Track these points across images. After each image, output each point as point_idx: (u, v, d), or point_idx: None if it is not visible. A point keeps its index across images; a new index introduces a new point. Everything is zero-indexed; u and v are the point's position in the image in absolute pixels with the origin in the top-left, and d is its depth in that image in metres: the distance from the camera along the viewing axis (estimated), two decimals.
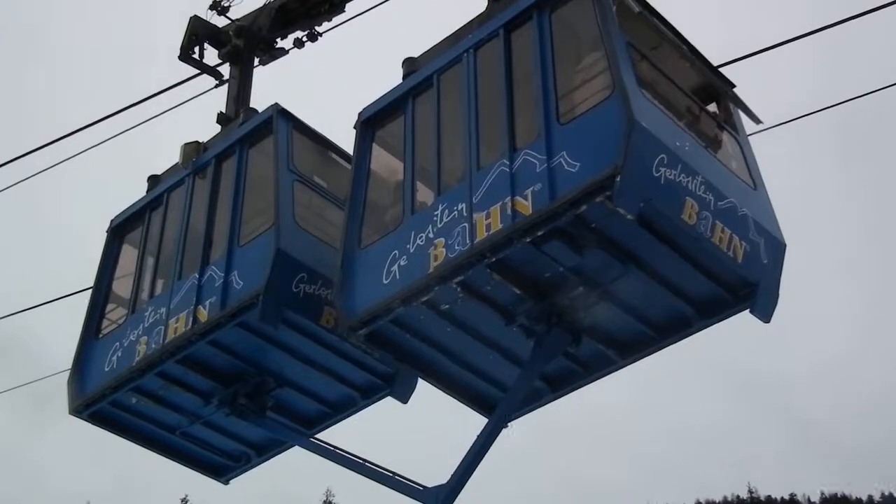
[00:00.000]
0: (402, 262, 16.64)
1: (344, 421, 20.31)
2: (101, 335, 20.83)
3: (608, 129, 15.09)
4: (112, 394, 19.84)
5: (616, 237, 15.64)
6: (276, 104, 19.85)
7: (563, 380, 17.85)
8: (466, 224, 16.01)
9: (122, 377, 19.68)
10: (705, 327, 16.81)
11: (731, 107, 17.33)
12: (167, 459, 21.13)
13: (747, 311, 16.35)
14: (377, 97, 18.47)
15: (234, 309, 18.42)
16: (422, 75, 17.97)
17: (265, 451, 21.02)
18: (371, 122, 18.39)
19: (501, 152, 16.18)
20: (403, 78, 18.37)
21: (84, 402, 20.15)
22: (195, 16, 23.19)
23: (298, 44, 22.80)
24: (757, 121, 17.31)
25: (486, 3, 18.18)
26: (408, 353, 17.49)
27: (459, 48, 17.65)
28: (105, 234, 21.84)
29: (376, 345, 17.22)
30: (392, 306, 16.52)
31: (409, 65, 18.36)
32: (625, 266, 15.90)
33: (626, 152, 14.62)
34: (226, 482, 21.51)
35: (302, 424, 20.26)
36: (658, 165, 15.07)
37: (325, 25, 22.75)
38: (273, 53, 22.84)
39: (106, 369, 20.07)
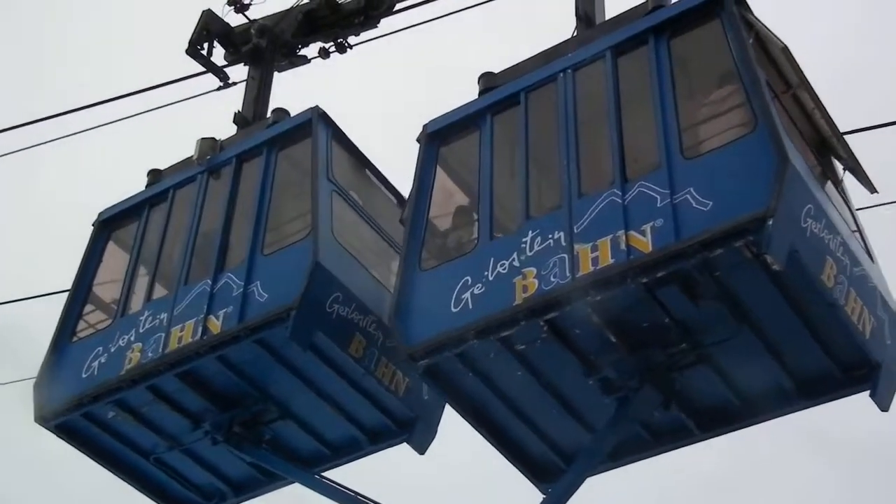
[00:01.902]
0: (478, 290, 14.57)
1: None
2: (76, 338, 18.25)
3: (749, 168, 13.36)
4: (90, 404, 17.26)
5: (738, 291, 13.82)
6: (317, 107, 17.79)
7: (627, 449, 15.75)
8: (566, 255, 14.05)
9: (106, 386, 17.13)
10: (806, 408, 15.00)
11: (842, 171, 15.72)
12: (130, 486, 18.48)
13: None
14: (447, 111, 16.55)
15: (256, 322, 16.14)
16: (505, 92, 16.11)
17: (243, 490, 18.50)
18: (437, 137, 16.42)
19: (610, 181, 14.35)
20: (480, 94, 16.47)
21: (54, 410, 17.52)
22: (209, 10, 21.04)
23: (324, 53, 20.80)
24: (872, 190, 15.71)
25: (574, 27, 16.87)
26: (464, 396, 15.35)
27: (553, 68, 15.85)
28: (91, 228, 19.27)
29: (432, 380, 15.04)
30: (465, 337, 14.38)
31: (488, 80, 16.50)
32: (738, 326, 14.08)
33: (779, 194, 12.86)
34: None
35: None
36: (806, 216, 13.39)
37: (354, 38, 20.65)
38: (293, 60, 20.83)
39: (84, 376, 17.49)
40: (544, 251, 14.25)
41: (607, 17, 16.76)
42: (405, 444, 17.45)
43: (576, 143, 14.91)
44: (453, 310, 14.58)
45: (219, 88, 21.30)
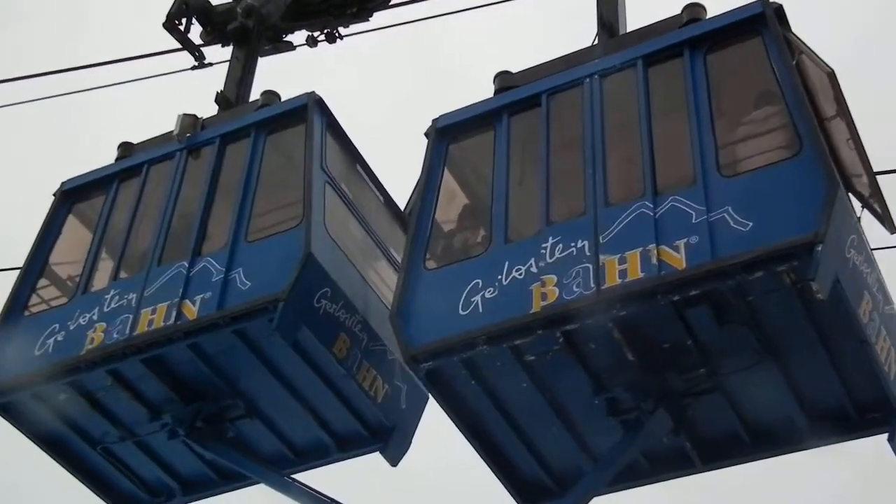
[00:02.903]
0: (489, 294, 13.68)
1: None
2: (28, 312, 16.95)
3: (794, 191, 12.71)
4: (43, 383, 15.96)
5: (767, 319, 13.10)
6: (314, 93, 16.80)
7: (622, 475, 14.71)
8: (590, 265, 13.24)
9: (63, 366, 15.84)
10: (815, 447, 14.27)
11: (860, 208, 15.07)
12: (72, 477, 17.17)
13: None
14: (459, 107, 15.68)
15: (238, 311, 15.04)
16: (525, 93, 15.31)
17: (194, 489, 17.28)
18: (447, 133, 15.55)
19: (640, 193, 13.59)
20: (496, 93, 15.63)
21: (2, 387, 16.18)
22: None
23: (311, 42, 19.78)
24: (893, 230, 15.08)
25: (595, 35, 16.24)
26: (461, 405, 14.39)
27: (578, 72, 15.10)
28: (53, 198, 18.00)
29: (432, 384, 14.08)
30: (474, 342, 13.47)
31: (504, 80, 15.69)
32: (761, 355, 13.35)
33: (829, 220, 12.19)
34: None
35: None
36: (850, 246, 12.80)
37: (345, 30, 19.69)
38: (278, 46, 19.75)
39: (37, 353, 16.18)
40: (566, 259, 13.42)
41: (630, 28, 16.08)
42: (376, 454, 16.36)
43: (602, 151, 14.15)
44: (461, 312, 13.69)
45: (193, 68, 20.18)
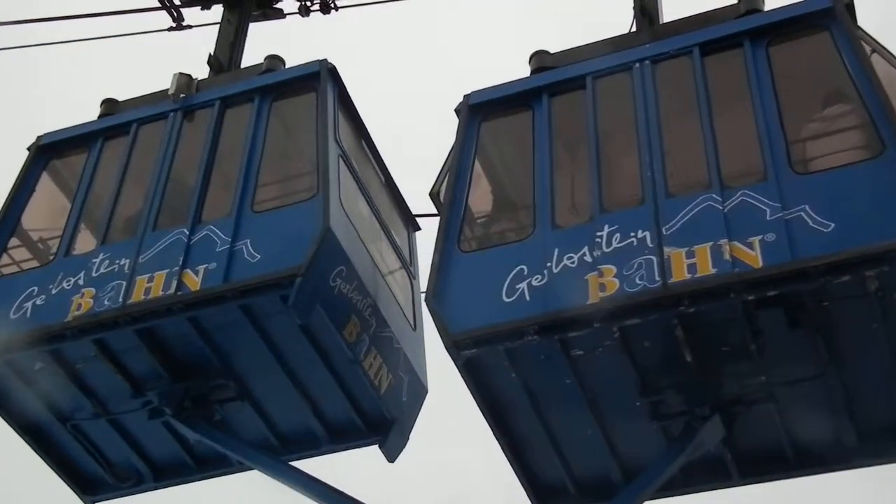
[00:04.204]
0: (537, 282, 12.64)
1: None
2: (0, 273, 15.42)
3: (879, 193, 11.88)
4: (21, 349, 14.45)
5: (841, 327, 12.30)
6: (326, 60, 15.53)
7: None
8: (654, 257, 12.26)
9: (45, 332, 14.30)
10: (861, 467, 13.52)
11: None
12: (35, 454, 15.64)
13: None
14: (492, 85, 14.66)
15: (248, 285, 13.73)
16: (568, 74, 14.32)
17: (165, 476, 15.87)
18: (479, 110, 14.47)
19: (705, 185, 12.66)
20: (533, 72, 14.65)
21: None
22: None
23: (304, 11, 18.53)
24: None
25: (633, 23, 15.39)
26: (494, 397, 13.34)
27: (626, 56, 14.17)
28: (27, 152, 16.45)
29: (469, 372, 13.00)
30: (524, 332, 12.42)
31: (540, 59, 14.70)
32: (825, 366, 12.55)
33: None
34: None
35: None
36: None
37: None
38: (266, 13, 18.45)
39: (13, 316, 14.61)
40: (626, 249, 12.45)
41: (667, 16, 15.23)
42: (372, 447, 15.19)
43: (659, 138, 13.19)
44: (505, 299, 12.64)
45: (170, 29, 18.76)
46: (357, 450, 15.47)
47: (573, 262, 12.58)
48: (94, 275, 14.50)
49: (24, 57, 18.92)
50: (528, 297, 12.53)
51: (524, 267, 12.73)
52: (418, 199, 16.81)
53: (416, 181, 16.96)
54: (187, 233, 14.41)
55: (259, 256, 13.89)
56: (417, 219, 17.16)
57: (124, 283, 14.24)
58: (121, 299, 14.10)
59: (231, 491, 15.90)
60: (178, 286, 13.94)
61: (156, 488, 15.91)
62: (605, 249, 12.50)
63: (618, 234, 12.56)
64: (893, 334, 12.23)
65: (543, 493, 14.08)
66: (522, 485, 13.99)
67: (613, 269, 12.34)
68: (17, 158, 16.50)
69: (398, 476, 15.22)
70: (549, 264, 12.66)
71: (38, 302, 14.56)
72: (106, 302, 14.15)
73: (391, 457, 14.98)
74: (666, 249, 12.26)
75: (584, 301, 12.25)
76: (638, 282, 12.14)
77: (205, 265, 14.03)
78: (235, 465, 15.42)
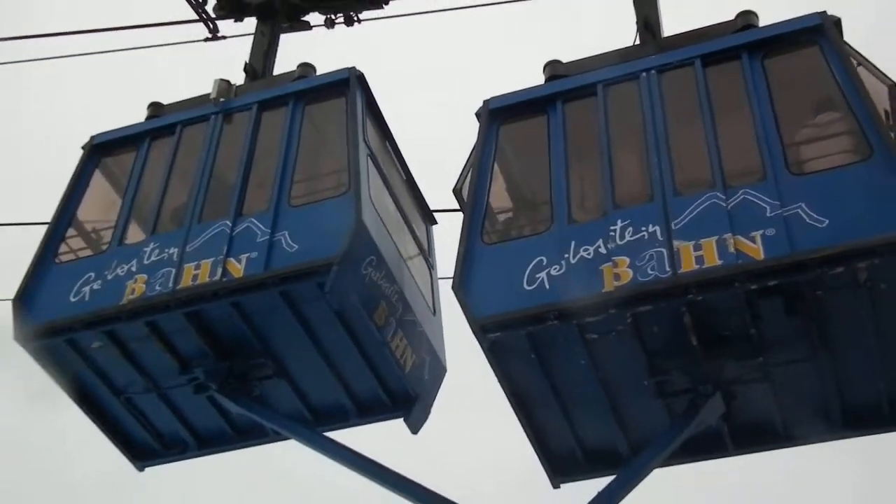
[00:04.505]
0: (555, 272, 12.59)
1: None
2: (59, 260, 15.27)
3: (870, 193, 11.88)
4: (81, 329, 14.31)
5: (832, 314, 12.26)
6: (355, 68, 15.45)
7: None
8: (664, 250, 12.22)
9: (102, 314, 14.19)
10: (844, 438, 13.51)
11: None
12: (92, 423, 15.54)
13: None
14: (510, 91, 14.59)
15: (287, 272, 13.64)
16: (580, 82, 14.25)
17: (208, 444, 15.78)
18: (498, 114, 14.39)
19: (711, 184, 12.61)
20: (547, 80, 14.59)
21: (37, 331, 14.43)
22: None
23: (329, 23, 18.39)
24: None
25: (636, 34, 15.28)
26: (515, 377, 13.26)
27: (633, 66, 14.12)
28: (81, 151, 16.32)
29: (493, 355, 12.94)
30: (544, 317, 12.36)
31: (553, 68, 14.63)
32: (817, 349, 12.55)
33: None
34: (140, 468, 15.98)
35: None
36: None
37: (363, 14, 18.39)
38: (295, 25, 18.30)
39: (72, 299, 14.49)
40: (638, 242, 12.40)
41: (666, 30, 15.17)
42: (397, 420, 15.09)
43: (666, 141, 13.16)
44: (527, 287, 12.57)
45: (206, 39, 18.61)
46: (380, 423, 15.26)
47: (589, 254, 12.52)
48: (145, 262, 14.39)
49: (79, 63, 18.53)
50: (547, 286, 12.47)
51: (543, 258, 12.67)
52: (433, 196, 16.77)
53: (431, 179, 16.99)
54: (230, 224, 14.29)
55: (296, 247, 13.79)
56: (434, 213, 16.98)
57: (173, 270, 14.12)
58: (171, 285, 13.99)
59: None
60: (223, 273, 13.84)
61: (199, 455, 15.81)
62: (618, 242, 12.44)
63: (630, 229, 12.51)
64: (879, 321, 12.20)
65: (556, 462, 13.97)
66: (537, 454, 13.90)
67: (627, 259, 12.28)
68: (73, 155, 16.36)
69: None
70: (566, 255, 12.60)
71: (95, 287, 14.45)
72: (157, 287, 14.04)
73: (414, 429, 14.90)
74: (675, 243, 12.22)
75: (600, 289, 12.20)
76: (650, 272, 12.10)
77: (247, 254, 13.93)
78: (271, 436, 15.33)
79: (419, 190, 16.49)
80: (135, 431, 15.48)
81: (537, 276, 12.56)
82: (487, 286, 12.74)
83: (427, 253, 16.33)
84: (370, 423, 15.16)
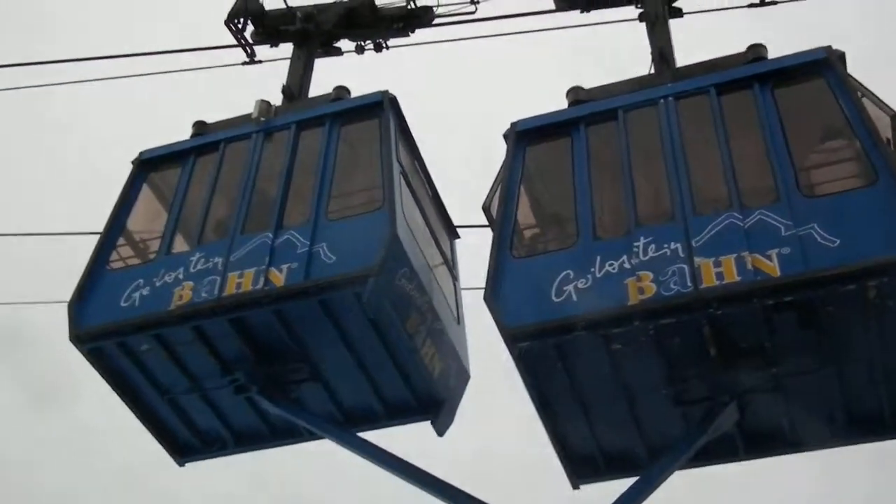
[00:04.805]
0: (582, 285, 12.16)
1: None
2: (109, 267, 14.79)
3: (877, 216, 11.55)
4: (131, 333, 13.85)
5: (841, 328, 11.86)
6: (387, 91, 15.04)
7: None
8: (686, 266, 11.82)
9: (152, 319, 13.72)
10: (850, 444, 13.11)
11: None
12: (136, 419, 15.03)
13: None
14: (536, 114, 14.17)
15: (327, 282, 13.18)
16: (602, 107, 13.84)
17: (244, 442, 15.29)
18: (525, 136, 13.96)
19: (728, 205, 12.22)
20: (570, 105, 14.18)
21: (91, 333, 13.97)
22: None
23: (359, 49, 17.90)
24: None
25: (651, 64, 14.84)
26: (542, 384, 12.80)
27: (651, 93, 13.73)
28: (131, 165, 15.84)
29: (523, 362, 12.48)
30: (573, 327, 11.94)
31: (576, 94, 14.22)
32: (827, 361, 12.15)
33: None
34: (181, 464, 15.47)
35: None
36: None
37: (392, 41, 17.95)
38: (328, 50, 17.84)
39: (124, 304, 14.01)
40: (661, 259, 11.99)
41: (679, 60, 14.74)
42: (424, 423, 14.62)
43: (685, 163, 12.75)
44: (555, 299, 12.15)
45: (244, 63, 18.13)
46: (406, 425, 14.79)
47: (614, 269, 12.12)
48: (192, 271, 13.92)
49: (126, 84, 18.09)
50: (574, 298, 12.07)
51: (570, 272, 12.27)
52: (455, 211, 16.34)
53: (452, 196, 16.56)
54: (271, 236, 13.84)
55: (335, 258, 13.36)
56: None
57: (218, 278, 13.67)
58: (216, 292, 13.55)
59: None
60: (265, 282, 13.39)
61: (236, 452, 15.31)
62: (642, 258, 12.05)
63: (653, 245, 12.12)
64: (885, 335, 11.83)
65: (576, 463, 13.52)
66: (558, 455, 13.45)
67: (650, 275, 11.89)
68: (120, 168, 15.91)
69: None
70: (592, 269, 12.19)
71: (145, 293, 13.99)
72: (203, 294, 13.59)
73: (441, 432, 14.46)
74: (696, 259, 11.84)
75: (625, 302, 11.81)
76: (672, 286, 11.71)
77: (287, 264, 13.48)
78: (305, 435, 14.85)
79: (444, 205, 16.02)
80: (177, 429, 14.99)
81: (565, 288, 12.15)
82: (517, 297, 12.34)
83: (451, 265, 15.87)
84: (398, 424, 14.70)
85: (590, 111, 13.78)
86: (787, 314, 11.56)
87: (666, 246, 12.05)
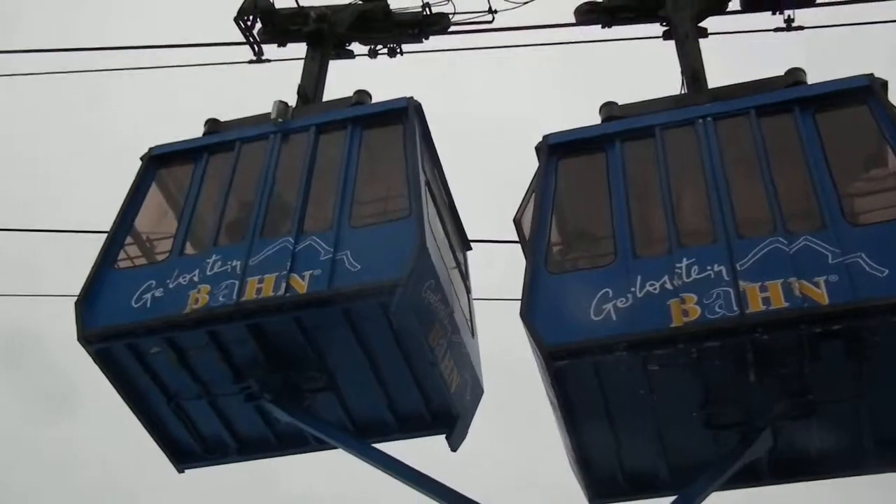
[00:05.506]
0: (622, 304, 11.58)
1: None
2: (117, 266, 13.89)
3: None
4: (144, 335, 12.98)
5: (883, 357, 11.37)
6: (413, 98, 14.31)
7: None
8: (730, 289, 11.29)
9: (166, 322, 12.85)
10: (875, 473, 12.66)
11: None
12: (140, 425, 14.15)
13: None
14: (567, 129, 13.55)
15: (352, 291, 12.43)
16: (638, 124, 13.28)
17: (248, 450, 14.47)
18: (557, 150, 13.34)
19: (770, 229, 11.74)
20: (604, 121, 13.60)
21: (99, 333, 13.08)
22: None
23: (372, 53, 17.19)
24: None
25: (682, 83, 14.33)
26: (574, 402, 12.18)
27: (688, 113, 13.20)
28: (140, 162, 14.94)
29: (557, 380, 11.84)
30: (614, 347, 11.33)
31: (609, 110, 13.65)
32: (863, 389, 11.71)
33: None
34: (180, 470, 14.60)
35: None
36: None
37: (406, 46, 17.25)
38: (339, 52, 17.09)
39: (134, 305, 13.12)
40: (705, 281, 11.45)
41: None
42: (438, 437, 13.92)
43: (726, 184, 12.23)
44: (594, 318, 11.56)
45: (251, 62, 17.33)
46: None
47: (655, 289, 11.55)
48: (208, 273, 13.09)
49: (133, 76, 17.19)
50: (614, 317, 11.48)
51: (609, 290, 11.67)
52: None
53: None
54: (293, 241, 13.02)
55: (359, 266, 12.60)
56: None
57: (237, 282, 12.85)
58: (234, 297, 12.72)
59: None
60: (287, 288, 12.58)
61: (239, 461, 14.49)
62: (685, 279, 11.49)
63: (696, 267, 11.57)
64: None
65: (597, 483, 12.93)
66: (579, 472, 12.87)
67: (694, 297, 11.34)
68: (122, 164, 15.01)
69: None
70: (632, 289, 11.62)
71: (157, 294, 13.12)
72: (221, 298, 12.76)
73: (454, 447, 13.77)
74: (741, 283, 11.32)
75: (668, 324, 11.26)
76: (717, 310, 11.18)
77: (310, 271, 12.70)
78: (311, 445, 14.08)
79: (459, 217, 15.34)
80: (179, 434, 14.13)
81: (604, 307, 11.56)
82: (555, 315, 11.74)
83: (465, 276, 15.19)
84: (410, 438, 13.98)
85: (626, 127, 13.23)
86: (832, 342, 11.10)
87: (709, 268, 11.51)
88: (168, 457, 14.32)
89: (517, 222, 13.32)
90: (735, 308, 11.11)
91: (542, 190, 12.83)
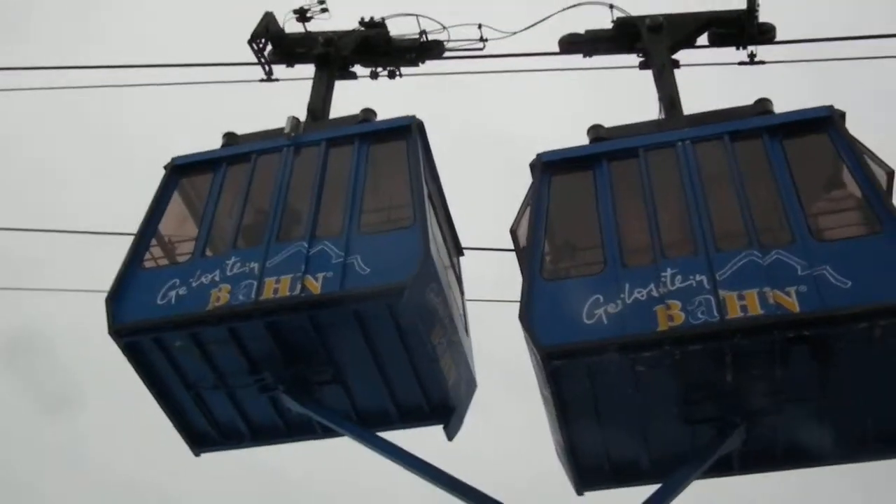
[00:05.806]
0: (611, 309, 12.68)
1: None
2: (144, 266, 14.89)
3: (882, 261, 12.34)
4: (168, 330, 13.94)
5: (846, 360, 12.57)
6: (415, 117, 15.44)
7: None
8: (711, 297, 12.42)
9: (190, 318, 13.80)
10: (839, 463, 13.83)
11: None
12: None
13: None
14: (560, 147, 14.73)
15: (362, 292, 13.49)
16: (623, 145, 14.43)
17: (261, 437, 15.46)
18: (551, 167, 14.44)
19: (746, 243, 12.90)
20: (592, 142, 14.78)
21: (129, 328, 14.02)
22: (270, 13, 18.26)
23: (374, 75, 18.30)
24: None
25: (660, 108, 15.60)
26: (567, 399, 13.22)
27: (669, 136, 14.39)
28: (164, 170, 15.95)
29: (553, 378, 12.96)
30: (605, 349, 12.41)
31: (597, 131, 14.81)
32: (830, 388, 12.86)
33: None
34: (197, 454, 15.60)
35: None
36: None
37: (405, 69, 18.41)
38: (343, 74, 18.19)
39: (160, 302, 14.06)
40: (688, 289, 12.57)
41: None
42: (435, 427, 14.98)
43: (704, 201, 13.42)
44: (586, 321, 12.63)
45: (261, 80, 18.41)
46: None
47: (643, 296, 12.63)
48: (228, 273, 14.07)
49: (154, 91, 18.19)
50: (605, 322, 12.54)
51: (600, 296, 12.74)
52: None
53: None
54: (306, 245, 14.07)
55: (369, 270, 13.65)
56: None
57: (255, 282, 13.85)
58: (253, 296, 13.71)
59: None
60: (302, 289, 13.61)
61: (252, 446, 15.44)
62: (670, 288, 12.58)
63: (679, 276, 12.67)
64: (885, 368, 12.51)
65: (584, 472, 13.96)
66: (568, 462, 13.87)
67: (679, 304, 12.43)
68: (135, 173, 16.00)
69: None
70: (622, 296, 12.69)
71: (181, 292, 14.07)
72: (240, 297, 13.74)
73: (451, 436, 14.82)
74: (721, 292, 12.40)
75: (655, 328, 12.32)
76: (700, 316, 12.27)
77: (323, 273, 13.72)
78: (319, 433, 15.06)
79: (454, 225, 16.45)
80: (197, 420, 15.07)
81: (595, 311, 12.62)
82: (550, 318, 12.76)
83: (459, 280, 16.33)
84: (410, 427, 14.98)
85: (613, 148, 14.33)
86: (800, 347, 12.20)
87: (692, 278, 12.61)
88: (186, 441, 15.24)
89: (513, 232, 14.40)
90: (716, 314, 12.21)
91: (537, 203, 13.91)
